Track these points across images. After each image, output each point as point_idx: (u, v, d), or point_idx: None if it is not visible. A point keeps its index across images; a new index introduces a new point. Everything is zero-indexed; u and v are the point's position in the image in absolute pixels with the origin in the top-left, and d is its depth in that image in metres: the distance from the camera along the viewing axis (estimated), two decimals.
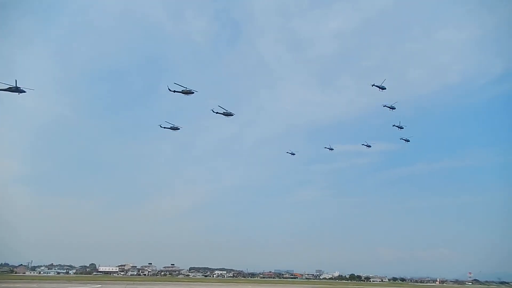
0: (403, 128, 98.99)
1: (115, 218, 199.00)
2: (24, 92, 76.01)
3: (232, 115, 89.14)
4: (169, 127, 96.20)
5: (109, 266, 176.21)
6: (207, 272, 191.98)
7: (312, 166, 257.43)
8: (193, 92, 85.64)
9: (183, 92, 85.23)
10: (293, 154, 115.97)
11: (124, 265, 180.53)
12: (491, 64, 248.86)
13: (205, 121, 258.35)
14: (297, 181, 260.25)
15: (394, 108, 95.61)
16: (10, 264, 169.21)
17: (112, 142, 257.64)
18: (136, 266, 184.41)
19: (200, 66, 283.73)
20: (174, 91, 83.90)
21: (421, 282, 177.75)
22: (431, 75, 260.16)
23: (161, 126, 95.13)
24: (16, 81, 73.35)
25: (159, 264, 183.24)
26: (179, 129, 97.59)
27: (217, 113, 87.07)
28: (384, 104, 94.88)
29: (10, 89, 73.88)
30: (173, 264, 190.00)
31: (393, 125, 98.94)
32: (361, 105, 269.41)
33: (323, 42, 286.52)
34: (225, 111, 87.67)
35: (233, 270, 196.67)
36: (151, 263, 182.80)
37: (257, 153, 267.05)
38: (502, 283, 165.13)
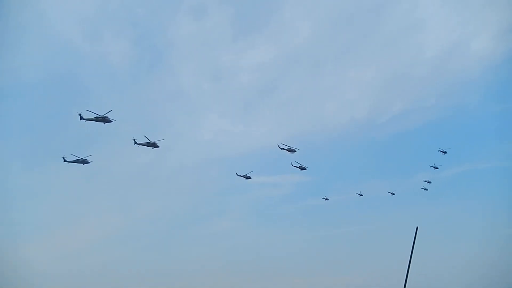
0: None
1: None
2: (110, 121, 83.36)
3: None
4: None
5: None
6: None
7: (228, 196, 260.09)
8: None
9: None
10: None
11: None
12: (393, 102, 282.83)
13: (116, 147, 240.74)
14: (212, 212, 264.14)
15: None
16: None
17: (7, 169, 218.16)
18: None
19: (116, 89, 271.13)
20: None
21: None
22: (341, 109, 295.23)
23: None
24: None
25: None
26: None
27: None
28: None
29: (97, 119, 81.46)
30: None
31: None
32: (278, 136, 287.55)
33: (243, 74, 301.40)
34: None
35: None
36: None
37: (173, 182, 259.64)
38: None
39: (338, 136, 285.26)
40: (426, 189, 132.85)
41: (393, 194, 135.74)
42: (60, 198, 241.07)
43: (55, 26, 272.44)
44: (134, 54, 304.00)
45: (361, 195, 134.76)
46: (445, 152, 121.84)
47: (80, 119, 79.78)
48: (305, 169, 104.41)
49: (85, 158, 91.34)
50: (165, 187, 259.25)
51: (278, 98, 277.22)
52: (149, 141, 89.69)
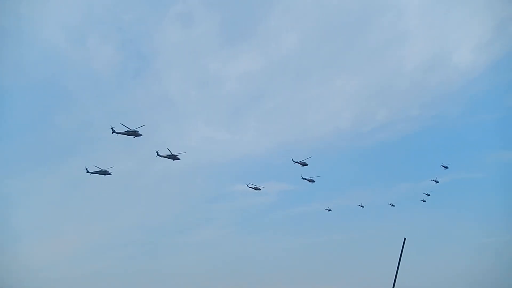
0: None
1: None
2: (140, 135, 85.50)
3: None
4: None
5: None
6: None
7: (214, 204, 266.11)
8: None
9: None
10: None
11: None
12: (376, 112, 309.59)
13: (99, 154, 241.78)
14: (198, 220, 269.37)
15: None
16: None
17: None
18: None
19: (100, 95, 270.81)
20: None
21: None
22: (326, 119, 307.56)
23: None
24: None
25: None
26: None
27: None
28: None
29: (128, 133, 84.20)
30: None
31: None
32: (263, 145, 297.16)
33: (230, 82, 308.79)
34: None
35: None
36: None
37: (158, 190, 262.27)
38: None
39: (323, 145, 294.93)
40: (425, 201, 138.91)
41: (393, 205, 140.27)
42: (43, 205, 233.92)
43: (40, 30, 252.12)
44: (119, 59, 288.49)
45: (363, 207, 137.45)
46: (446, 167, 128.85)
47: (112, 133, 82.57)
48: (314, 181, 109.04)
49: (107, 170, 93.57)
50: (150, 195, 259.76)
51: (264, 107, 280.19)
52: (170, 153, 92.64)
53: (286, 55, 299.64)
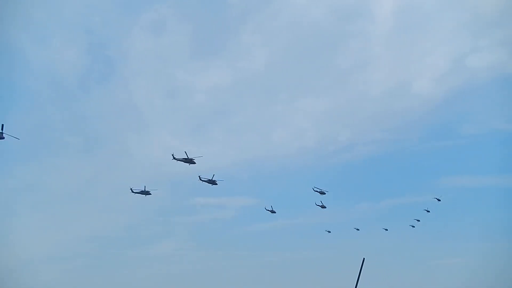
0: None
1: None
2: (194, 163, 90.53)
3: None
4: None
5: None
6: None
7: (173, 217, 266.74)
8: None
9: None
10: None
11: None
12: (339, 134, 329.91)
13: (56, 159, 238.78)
14: (155, 233, 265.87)
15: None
16: None
17: None
18: None
19: (61, 98, 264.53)
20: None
21: None
22: (291, 137, 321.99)
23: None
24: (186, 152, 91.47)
25: None
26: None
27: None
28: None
29: (185, 160, 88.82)
30: None
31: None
32: (228, 159, 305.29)
33: (198, 94, 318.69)
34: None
35: None
36: None
37: (115, 200, 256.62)
38: None
39: (287, 162, 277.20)
40: (414, 226, 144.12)
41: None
42: None
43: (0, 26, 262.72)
44: (85, 62, 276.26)
45: (358, 230, 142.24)
46: (439, 200, 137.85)
47: (172, 159, 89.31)
48: (325, 207, 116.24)
49: (148, 190, 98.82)
50: (106, 205, 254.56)
51: (231, 121, 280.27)
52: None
53: (255, 72, 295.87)
